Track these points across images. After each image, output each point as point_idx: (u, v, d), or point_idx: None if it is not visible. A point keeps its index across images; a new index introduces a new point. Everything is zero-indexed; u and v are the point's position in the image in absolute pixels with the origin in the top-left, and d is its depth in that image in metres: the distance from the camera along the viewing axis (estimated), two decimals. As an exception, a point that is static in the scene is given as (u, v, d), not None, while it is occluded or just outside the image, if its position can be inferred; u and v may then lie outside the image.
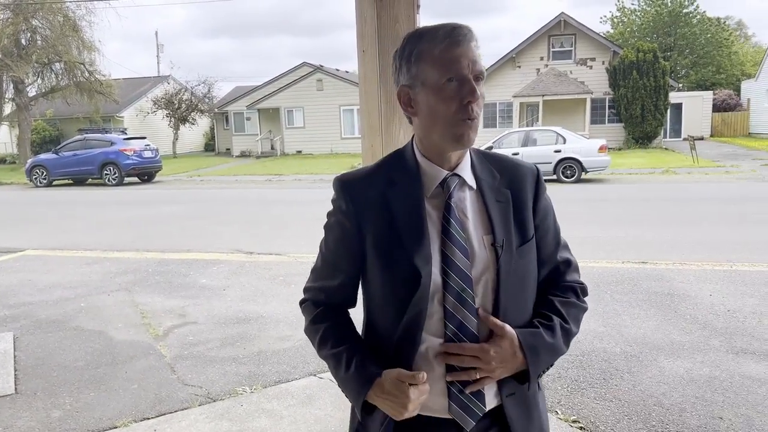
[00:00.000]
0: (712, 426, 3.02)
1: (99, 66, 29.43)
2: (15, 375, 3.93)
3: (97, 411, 3.41)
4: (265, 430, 3.11)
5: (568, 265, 1.32)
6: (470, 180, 1.22)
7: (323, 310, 1.31)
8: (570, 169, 14.62)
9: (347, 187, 1.24)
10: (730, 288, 5.37)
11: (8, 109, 28.88)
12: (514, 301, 1.21)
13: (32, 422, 3.27)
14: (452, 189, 1.20)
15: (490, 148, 15.36)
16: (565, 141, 14.79)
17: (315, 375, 3.82)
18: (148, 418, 3.30)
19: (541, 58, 25.42)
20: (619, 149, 23.84)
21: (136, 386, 3.75)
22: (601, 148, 14.57)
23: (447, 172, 1.21)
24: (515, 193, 1.24)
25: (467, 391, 1.18)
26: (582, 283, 1.32)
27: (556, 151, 14.70)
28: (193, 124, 33.49)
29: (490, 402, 1.21)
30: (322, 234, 1.32)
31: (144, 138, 20.75)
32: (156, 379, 3.86)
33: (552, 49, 25.30)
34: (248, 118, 31.31)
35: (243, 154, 30.82)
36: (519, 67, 25.58)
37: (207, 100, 33.30)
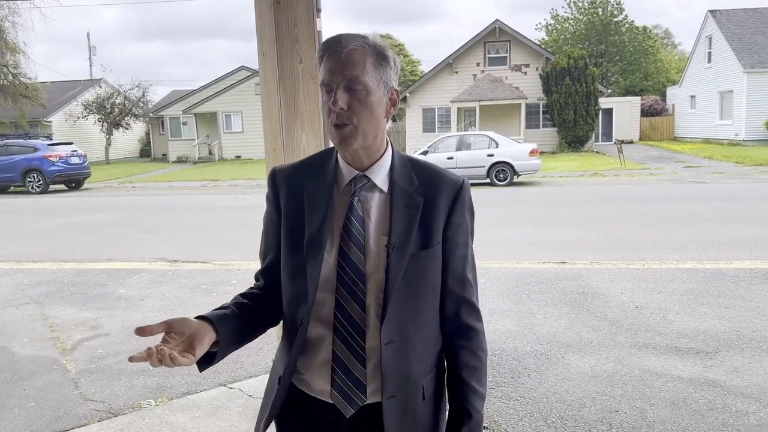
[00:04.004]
0: (608, 419, 3.12)
1: (24, 68, 28.07)
2: None
3: (-15, 432, 3.22)
4: (165, 444, 3.01)
5: (471, 305, 1.35)
6: (381, 183, 1.28)
7: (249, 289, 1.39)
8: (503, 172, 14.96)
9: (274, 176, 1.36)
10: (641, 285, 5.60)
11: None
12: (404, 304, 1.24)
13: None
14: (357, 188, 1.27)
15: (426, 152, 15.55)
16: (497, 145, 15.13)
17: (225, 385, 3.73)
18: (41, 438, 3.14)
19: (478, 64, 25.96)
20: (553, 153, 24.59)
21: (34, 404, 3.56)
22: (532, 152, 14.99)
23: (357, 172, 1.28)
24: (428, 201, 1.27)
25: None
26: (479, 320, 1.36)
27: (489, 155, 15.01)
28: (127, 129, 32.41)
29: (371, 396, 1.25)
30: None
31: (71, 144, 19.94)
32: (56, 395, 3.68)
33: (488, 55, 25.87)
34: (185, 123, 30.61)
35: (180, 160, 30.08)
36: (456, 72, 26.03)
37: (142, 105, 32.30)
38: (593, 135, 25.79)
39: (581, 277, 5.94)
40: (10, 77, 26.86)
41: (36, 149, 18.29)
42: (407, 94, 26.97)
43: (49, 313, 5.48)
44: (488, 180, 15.07)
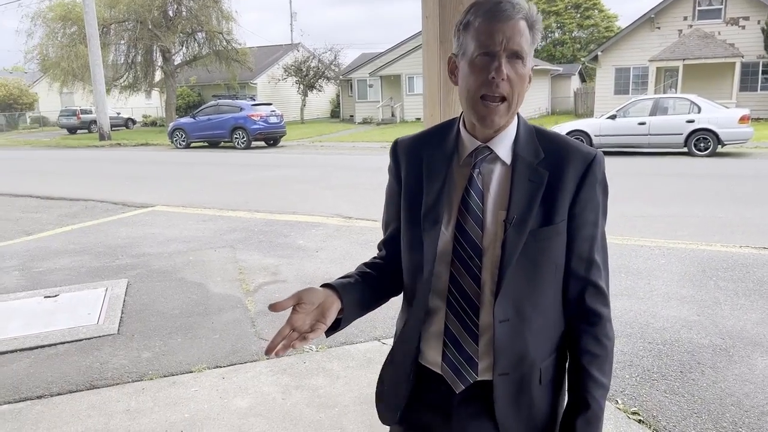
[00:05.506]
0: (794, 435, 2.71)
1: (236, 35, 31.30)
2: (121, 317, 4.41)
3: (179, 355, 3.76)
4: (320, 388, 3.26)
5: (597, 288, 1.26)
6: (504, 155, 1.23)
7: (372, 258, 1.42)
8: (704, 141, 13.30)
9: (396, 147, 1.37)
10: None
11: (158, 76, 31.72)
12: (521, 282, 1.20)
13: (125, 360, 3.68)
14: (478, 160, 1.24)
15: (614, 116, 14.40)
16: (699, 110, 13.44)
17: (379, 340, 3.91)
18: (220, 367, 3.58)
19: (685, 18, 23.10)
20: (773, 120, 21.28)
21: (218, 336, 4.07)
22: (743, 119, 13.07)
23: (480, 143, 1.24)
24: (554, 174, 1.21)
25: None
26: (606, 305, 1.27)
27: (688, 122, 13.42)
28: (319, 91, 34.62)
29: (482, 373, 1.24)
30: None
31: (270, 104, 21.87)
32: (236, 331, 4.16)
33: (698, 8, 22.86)
34: (371, 85, 31.78)
35: (365, 121, 31.45)
36: (658, 28, 23.48)
37: (333, 68, 34.21)
38: (829, 99, 21.75)
39: (787, 267, 5.14)
40: (224, 43, 30.13)
41: (241, 109, 20.40)
42: (599, 53, 25.06)
43: (239, 256, 6.16)
44: (686, 149, 13.54)
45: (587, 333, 1.26)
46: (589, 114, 24.06)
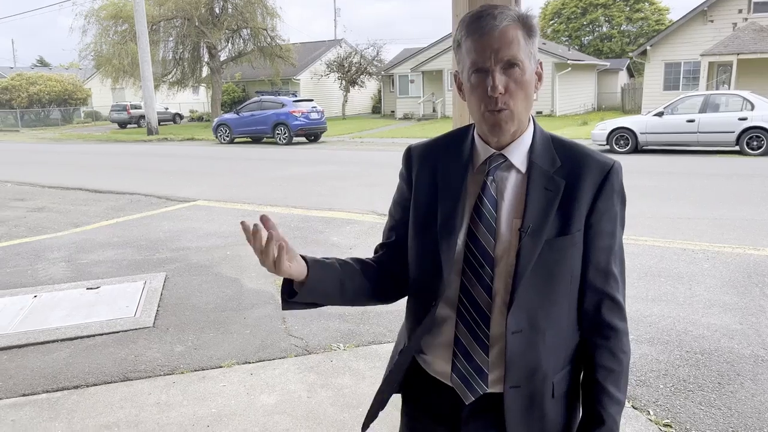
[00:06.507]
0: (838, 454, 2.57)
1: (279, 31, 31.69)
2: (157, 311, 4.53)
3: (211, 350, 3.83)
4: (345, 387, 3.27)
5: (613, 300, 1.23)
6: (519, 163, 1.22)
7: (368, 258, 1.37)
8: (757, 139, 12.74)
9: (409, 153, 1.34)
10: None
11: (204, 72, 32.39)
12: (535, 293, 1.18)
13: (158, 354, 3.77)
14: (491, 167, 1.21)
15: (661, 114, 13.94)
16: (753, 107, 12.87)
17: (407, 340, 3.89)
18: (249, 362, 3.63)
19: (740, 11, 22.18)
20: (834, 117, 20.21)
21: (249, 332, 4.13)
22: (800, 117, 12.48)
23: (494, 150, 1.22)
24: (571, 184, 1.19)
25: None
26: (623, 318, 1.25)
27: (741, 119, 12.87)
28: (361, 86, 34.72)
29: (493, 385, 1.23)
30: None
31: (311, 100, 22.04)
32: (267, 327, 4.22)
33: (754, 0, 21.92)
34: (412, 81, 31.69)
35: (405, 117, 31.39)
36: (711, 21, 22.62)
37: (375, 63, 34.25)
38: None
39: (840, 275, 4.88)
40: (269, 39, 30.52)
41: (283, 105, 20.63)
42: (647, 48, 24.34)
43: (274, 253, 6.23)
44: (737, 148, 13.01)
45: (603, 347, 1.23)
46: (637, 110, 23.41)
